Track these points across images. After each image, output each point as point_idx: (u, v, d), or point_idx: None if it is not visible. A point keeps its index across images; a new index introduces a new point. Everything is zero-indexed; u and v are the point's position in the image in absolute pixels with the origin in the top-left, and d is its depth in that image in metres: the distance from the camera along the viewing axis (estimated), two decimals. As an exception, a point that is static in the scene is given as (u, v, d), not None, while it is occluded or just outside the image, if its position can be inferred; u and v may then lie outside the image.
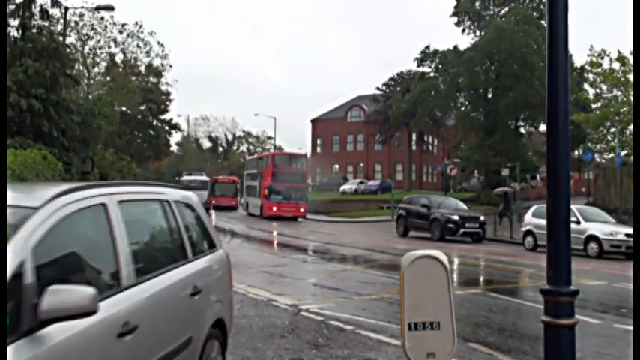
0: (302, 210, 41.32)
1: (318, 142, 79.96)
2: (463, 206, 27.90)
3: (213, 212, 42.03)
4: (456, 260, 17.25)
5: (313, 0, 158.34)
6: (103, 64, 44.79)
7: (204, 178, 53.89)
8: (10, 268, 2.66)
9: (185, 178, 52.38)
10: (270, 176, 41.26)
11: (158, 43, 54.00)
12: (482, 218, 25.73)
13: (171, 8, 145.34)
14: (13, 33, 21.06)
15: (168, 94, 54.18)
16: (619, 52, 31.97)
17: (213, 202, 50.44)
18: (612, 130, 33.58)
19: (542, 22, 44.73)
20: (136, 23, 45.26)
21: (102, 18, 41.95)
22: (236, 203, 54.26)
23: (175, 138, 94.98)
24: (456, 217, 25.25)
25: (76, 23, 40.20)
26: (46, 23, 22.23)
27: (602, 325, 8.20)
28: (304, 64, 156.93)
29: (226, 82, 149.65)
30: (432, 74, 53.22)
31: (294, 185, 41.24)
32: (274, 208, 40.33)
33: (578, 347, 3.30)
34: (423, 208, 26.69)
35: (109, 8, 29.16)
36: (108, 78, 43.91)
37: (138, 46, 46.42)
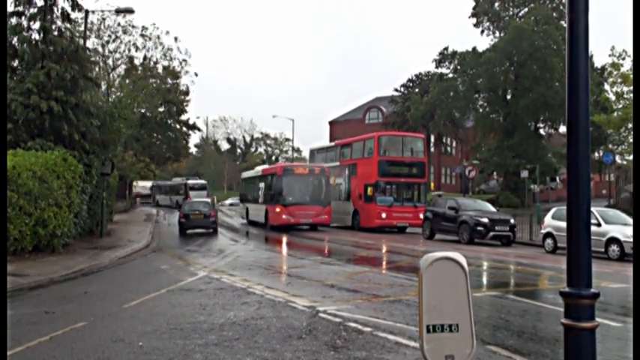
0: (421, 215, 28.72)
1: (336, 143, 79.55)
2: (492, 208, 27.15)
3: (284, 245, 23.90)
4: (474, 262, 17.13)
5: (328, 4, 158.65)
6: (123, 67, 44.99)
7: (203, 181, 61.82)
8: None
9: (190, 181, 60.06)
10: (376, 168, 29.67)
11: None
12: (512, 221, 24.84)
13: (186, 10, 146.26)
14: (35, 36, 21.27)
15: (187, 93, 54.35)
16: (641, 52, 31.56)
17: (284, 215, 29.82)
18: (634, 131, 33.14)
19: (562, 22, 44.43)
20: (155, 27, 45.37)
21: (119, 24, 42.09)
22: (329, 216, 30.92)
23: (194, 140, 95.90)
24: (485, 220, 24.26)
25: (99, 28, 40.40)
26: (67, 25, 22.40)
27: (624, 329, 8.09)
28: (321, 65, 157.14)
29: (243, 83, 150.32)
30: (450, 75, 53.10)
31: (410, 180, 30.38)
32: (383, 215, 29.25)
33: (599, 351, 3.26)
34: (450, 210, 25.70)
35: (129, 11, 29.39)
36: (127, 81, 44.07)
37: (165, 55, 46.46)
